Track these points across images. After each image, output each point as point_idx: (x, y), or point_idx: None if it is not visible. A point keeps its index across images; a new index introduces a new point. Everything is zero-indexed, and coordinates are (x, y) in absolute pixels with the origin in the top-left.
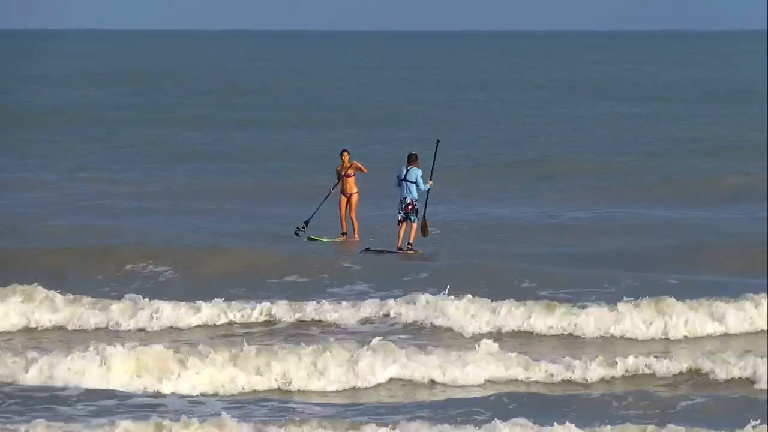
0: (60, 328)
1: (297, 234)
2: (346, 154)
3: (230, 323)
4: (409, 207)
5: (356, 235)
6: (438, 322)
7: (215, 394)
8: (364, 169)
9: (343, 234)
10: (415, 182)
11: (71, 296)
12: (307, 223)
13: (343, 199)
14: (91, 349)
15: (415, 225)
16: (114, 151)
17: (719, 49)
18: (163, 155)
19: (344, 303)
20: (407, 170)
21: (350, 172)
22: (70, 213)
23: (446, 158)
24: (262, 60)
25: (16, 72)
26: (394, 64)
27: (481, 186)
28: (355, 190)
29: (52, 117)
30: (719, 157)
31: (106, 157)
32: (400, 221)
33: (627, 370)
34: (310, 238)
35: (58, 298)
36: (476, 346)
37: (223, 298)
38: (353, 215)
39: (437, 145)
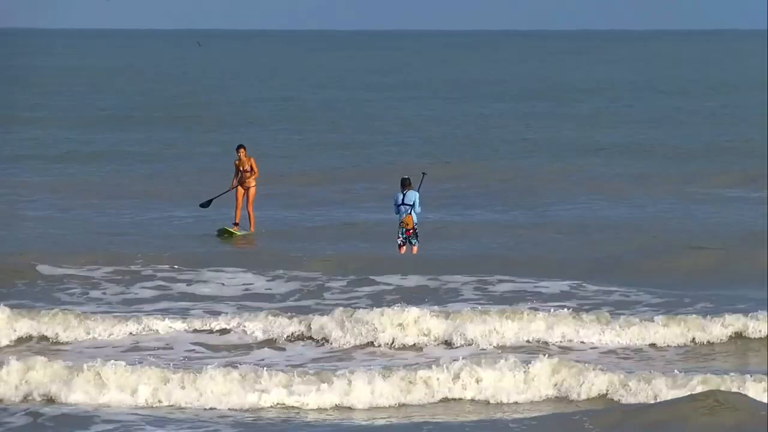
0: None
1: (203, 206)
2: (242, 150)
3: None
4: (410, 231)
5: (252, 227)
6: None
7: None
8: (256, 171)
9: (235, 224)
10: (413, 204)
11: None
12: (209, 202)
13: (240, 191)
14: None
15: (415, 248)
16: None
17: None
18: None
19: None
20: (404, 194)
21: (247, 167)
22: None
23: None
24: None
25: None
26: (292, 64)
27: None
28: (252, 183)
29: None
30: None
31: None
32: (400, 245)
33: None
34: (224, 231)
35: None
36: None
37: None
38: (250, 208)
39: (423, 177)
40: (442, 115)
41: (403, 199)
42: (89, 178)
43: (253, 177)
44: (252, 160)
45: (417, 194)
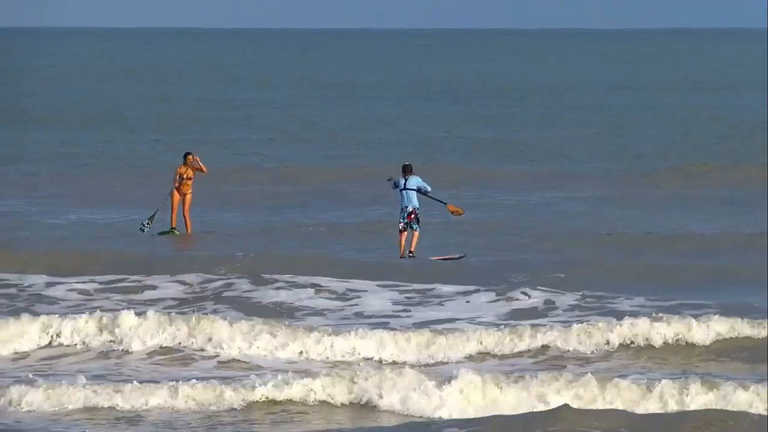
0: None
1: (142, 230)
2: (190, 156)
3: None
4: (412, 216)
5: (189, 230)
6: None
7: None
8: (204, 169)
9: (172, 229)
10: (417, 189)
11: None
12: (151, 219)
13: (177, 197)
14: None
15: (417, 233)
16: None
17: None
18: None
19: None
20: (406, 179)
21: (191, 174)
22: None
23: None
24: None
25: None
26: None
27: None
28: (190, 191)
29: None
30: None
31: None
32: (401, 230)
33: None
34: (163, 233)
35: None
36: None
37: None
38: (186, 214)
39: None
40: (406, 114)
41: (405, 184)
42: (85, 177)
43: (191, 184)
44: (196, 162)
45: (419, 178)
